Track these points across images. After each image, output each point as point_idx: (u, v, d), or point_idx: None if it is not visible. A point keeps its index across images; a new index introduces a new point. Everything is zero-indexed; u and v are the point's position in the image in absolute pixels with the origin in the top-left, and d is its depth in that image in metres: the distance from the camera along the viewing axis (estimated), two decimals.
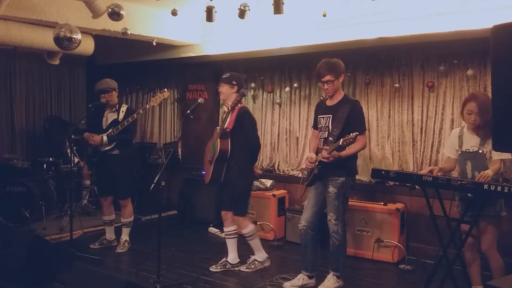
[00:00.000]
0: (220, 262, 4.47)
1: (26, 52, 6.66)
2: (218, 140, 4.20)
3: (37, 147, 7.26)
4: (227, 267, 4.42)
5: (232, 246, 4.46)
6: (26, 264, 3.91)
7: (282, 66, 6.27)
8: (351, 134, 3.59)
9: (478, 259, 3.60)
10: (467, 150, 3.50)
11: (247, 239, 4.43)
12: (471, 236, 3.50)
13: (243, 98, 4.79)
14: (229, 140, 4.21)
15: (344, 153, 3.75)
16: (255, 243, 4.47)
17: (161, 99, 4.97)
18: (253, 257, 4.50)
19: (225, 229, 4.42)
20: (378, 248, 4.82)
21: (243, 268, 4.43)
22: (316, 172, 3.90)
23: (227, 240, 4.47)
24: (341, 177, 3.85)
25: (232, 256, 4.46)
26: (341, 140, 3.62)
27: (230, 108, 4.25)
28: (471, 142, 3.49)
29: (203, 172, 4.71)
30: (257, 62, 6.27)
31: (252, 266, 4.44)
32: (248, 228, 4.40)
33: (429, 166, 5.16)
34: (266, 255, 4.53)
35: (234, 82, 4.34)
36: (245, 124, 4.24)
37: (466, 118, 3.50)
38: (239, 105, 4.31)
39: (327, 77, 3.83)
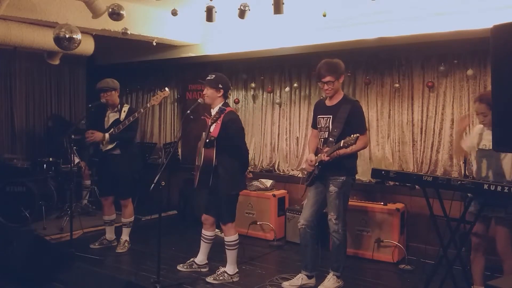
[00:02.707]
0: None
1: (26, 52, 6.66)
2: (203, 149, 4.04)
3: (38, 146, 7.26)
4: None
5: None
6: (26, 264, 3.91)
7: (282, 66, 6.28)
8: (352, 135, 3.56)
9: (483, 260, 3.57)
10: (484, 146, 3.47)
11: (227, 247, 4.20)
12: (476, 236, 3.49)
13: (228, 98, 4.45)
14: (215, 148, 4.00)
15: (342, 151, 3.71)
16: (232, 255, 4.21)
17: (162, 97, 4.96)
18: (223, 269, 4.24)
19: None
20: (378, 248, 4.82)
21: (209, 279, 4.18)
22: (316, 173, 3.90)
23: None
24: (342, 176, 3.85)
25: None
26: (342, 141, 3.61)
27: (212, 120, 4.00)
28: (488, 138, 3.41)
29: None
30: (257, 62, 6.28)
31: (221, 278, 4.17)
32: (233, 237, 4.18)
33: (429, 166, 5.20)
34: (237, 270, 4.26)
35: (220, 86, 4.10)
36: (231, 131, 4.00)
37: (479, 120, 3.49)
38: (226, 110, 4.08)
39: (328, 78, 3.82)
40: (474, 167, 3.60)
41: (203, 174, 4.08)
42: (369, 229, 4.89)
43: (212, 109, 4.18)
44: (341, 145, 3.62)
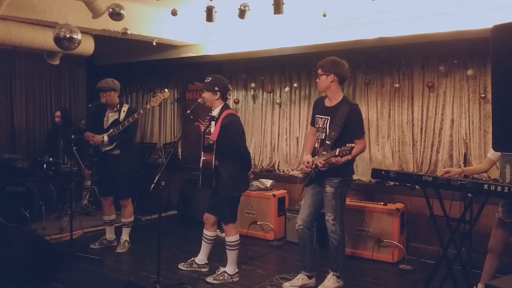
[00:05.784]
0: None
1: (26, 52, 6.66)
2: (202, 152, 4.04)
3: (38, 146, 7.25)
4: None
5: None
6: (26, 264, 3.91)
7: (282, 66, 6.28)
8: (347, 145, 3.54)
9: (497, 262, 3.53)
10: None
11: (228, 248, 4.19)
12: (495, 240, 3.47)
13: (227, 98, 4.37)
14: (214, 152, 4.00)
15: (338, 159, 3.68)
16: (233, 255, 4.21)
17: (162, 99, 4.96)
18: (223, 269, 4.23)
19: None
20: (378, 248, 4.82)
21: (209, 279, 4.18)
22: (313, 175, 3.90)
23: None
24: (338, 177, 3.84)
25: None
26: (337, 150, 3.58)
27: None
28: None
29: None
30: (257, 62, 6.27)
31: (221, 278, 4.17)
32: (234, 237, 4.17)
33: (429, 166, 5.20)
34: (237, 270, 4.26)
35: (216, 88, 4.08)
36: (230, 134, 3.99)
37: None
38: (224, 112, 4.08)
39: (318, 71, 3.90)
40: (498, 172, 3.57)
41: (204, 176, 4.10)
42: (369, 229, 4.89)
43: (212, 111, 4.18)
44: (336, 153, 3.60)
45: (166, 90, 5.13)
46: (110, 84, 4.91)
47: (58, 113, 6.81)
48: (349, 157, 3.62)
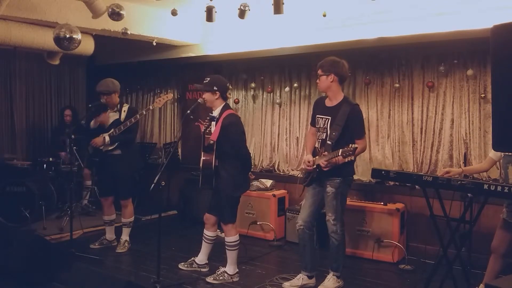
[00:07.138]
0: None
1: (26, 52, 6.66)
2: (202, 152, 4.05)
3: (39, 146, 7.26)
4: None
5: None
6: (26, 264, 3.91)
7: (282, 66, 6.28)
8: (351, 146, 3.53)
9: (500, 262, 3.51)
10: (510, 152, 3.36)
11: (228, 248, 4.19)
12: (498, 240, 3.46)
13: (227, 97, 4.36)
14: (214, 152, 4.01)
15: (340, 160, 3.67)
16: (233, 255, 4.21)
17: (165, 100, 4.98)
18: (223, 269, 4.24)
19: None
20: (378, 248, 4.82)
21: (209, 279, 4.18)
22: (314, 176, 3.90)
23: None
24: (339, 177, 3.84)
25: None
26: (340, 151, 3.57)
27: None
28: None
29: None
30: (257, 62, 6.27)
31: (221, 278, 4.17)
32: (233, 237, 4.17)
33: (429, 166, 5.21)
34: (237, 270, 4.26)
35: (215, 88, 4.09)
36: (231, 134, 4.00)
37: None
38: (224, 113, 4.08)
39: (318, 71, 3.91)
40: (498, 172, 3.56)
41: (205, 176, 4.11)
42: (369, 229, 4.89)
43: (213, 111, 4.18)
44: (339, 154, 3.59)
45: (169, 91, 5.17)
46: (110, 87, 4.88)
47: (68, 112, 6.83)
48: (352, 157, 3.60)
